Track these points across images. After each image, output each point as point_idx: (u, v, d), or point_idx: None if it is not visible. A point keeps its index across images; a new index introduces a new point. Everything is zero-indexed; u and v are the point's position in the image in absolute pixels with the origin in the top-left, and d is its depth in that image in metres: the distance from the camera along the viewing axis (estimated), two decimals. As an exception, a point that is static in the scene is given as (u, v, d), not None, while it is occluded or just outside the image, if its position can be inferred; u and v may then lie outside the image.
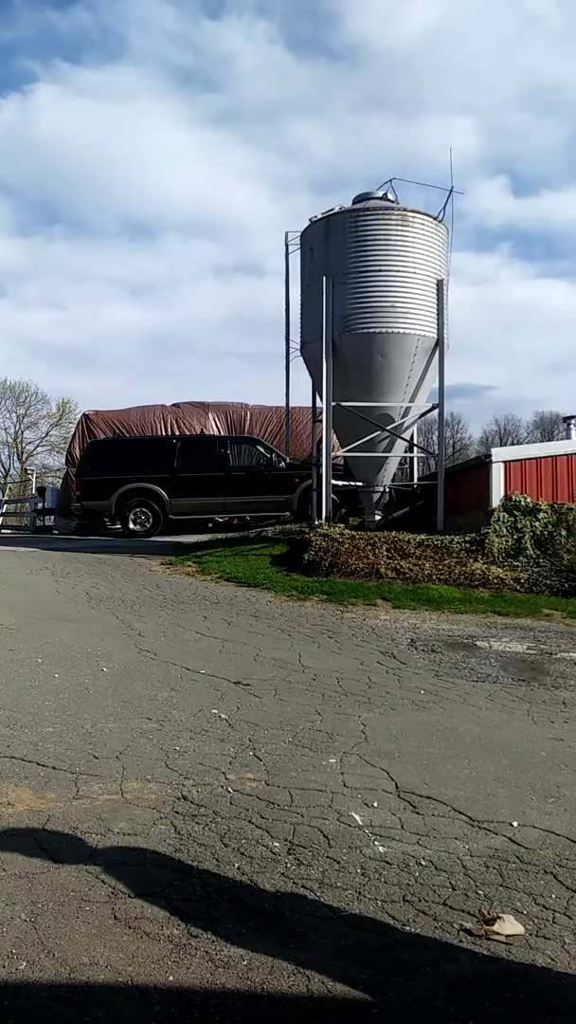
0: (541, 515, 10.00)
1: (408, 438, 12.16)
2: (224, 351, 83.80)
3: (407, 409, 11.36)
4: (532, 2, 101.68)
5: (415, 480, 13.14)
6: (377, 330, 10.74)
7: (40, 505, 21.95)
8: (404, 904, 2.54)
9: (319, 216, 11.32)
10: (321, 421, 11.45)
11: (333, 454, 11.32)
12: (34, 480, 30.66)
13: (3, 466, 47.53)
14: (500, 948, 2.30)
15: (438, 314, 11.06)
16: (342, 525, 11.08)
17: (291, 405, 12.79)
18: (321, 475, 11.14)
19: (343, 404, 11.01)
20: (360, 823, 3.14)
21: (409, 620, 7.58)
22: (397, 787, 3.52)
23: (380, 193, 11.39)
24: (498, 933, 2.36)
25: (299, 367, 12.20)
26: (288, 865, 2.77)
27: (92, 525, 17.26)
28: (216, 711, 4.59)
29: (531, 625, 7.50)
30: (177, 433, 18.49)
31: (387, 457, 11.61)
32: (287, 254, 12.24)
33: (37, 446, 48.09)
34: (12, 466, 47.04)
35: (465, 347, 72.78)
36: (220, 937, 2.31)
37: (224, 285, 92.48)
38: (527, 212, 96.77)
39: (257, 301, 79.02)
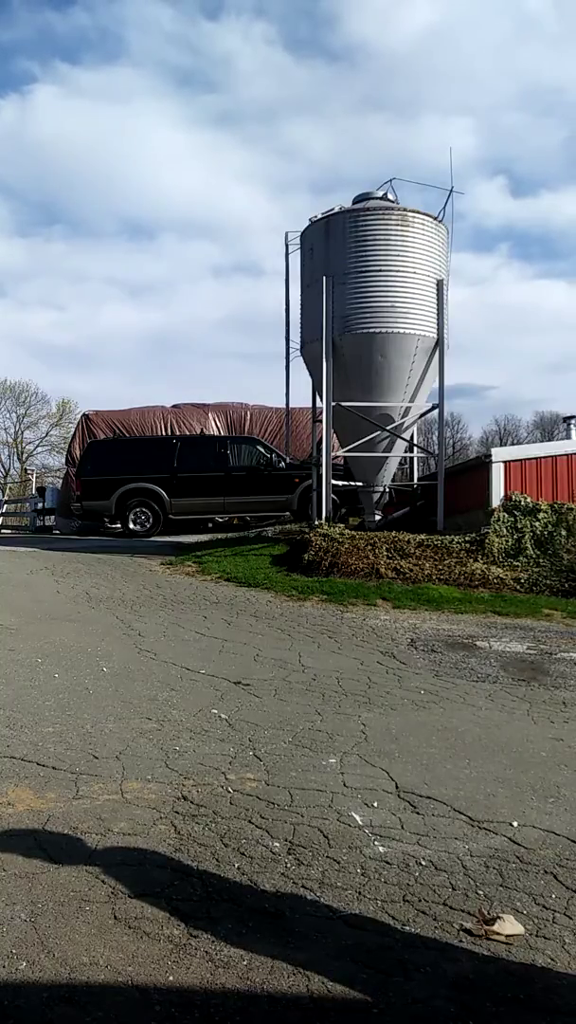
0: (541, 515, 9.99)
1: (408, 438, 12.16)
2: (223, 351, 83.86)
3: (407, 409, 11.36)
4: (530, 3, 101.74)
5: (415, 480, 13.14)
6: (377, 330, 10.74)
7: (40, 505, 21.95)
8: (404, 904, 2.54)
9: (319, 216, 11.32)
10: (321, 421, 11.45)
11: (333, 454, 11.33)
12: (34, 480, 30.66)
13: (3, 466, 47.55)
14: (500, 948, 2.30)
15: (438, 314, 11.06)
16: (342, 525, 11.08)
17: (291, 405, 12.79)
18: (321, 475, 11.14)
19: (343, 404, 11.01)
20: (360, 823, 3.14)
21: (409, 620, 7.58)
22: (397, 787, 3.52)
23: (380, 193, 11.39)
24: (498, 933, 2.36)
25: (299, 367, 12.21)
26: (288, 865, 2.77)
27: (92, 525, 17.26)
28: (216, 711, 4.59)
29: (531, 625, 7.50)
30: (177, 433, 18.50)
31: (387, 457, 11.61)
32: (287, 254, 12.25)
33: (37, 446, 48.12)
34: (12, 466, 47.05)
35: (465, 347, 72.87)
36: (220, 937, 2.31)
37: (223, 285, 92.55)
38: (526, 213, 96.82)
39: (256, 301, 79.04)
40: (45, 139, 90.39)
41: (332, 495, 11.32)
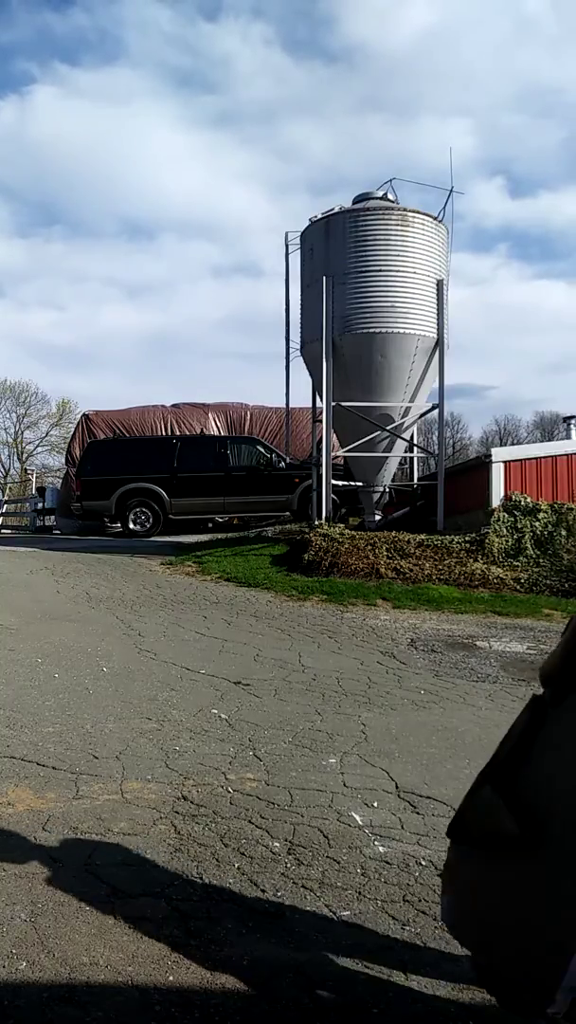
0: (541, 515, 9.99)
1: (408, 438, 12.16)
2: (223, 351, 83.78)
3: (407, 409, 11.36)
4: (528, 5, 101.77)
5: (415, 480, 13.14)
6: (377, 330, 10.74)
7: (40, 505, 21.94)
8: (404, 904, 2.54)
9: (319, 216, 11.31)
10: (321, 421, 11.45)
11: (333, 454, 11.32)
12: (34, 480, 30.66)
13: (3, 466, 47.53)
14: (500, 948, 2.30)
15: (438, 314, 11.05)
16: (342, 525, 11.08)
17: (291, 405, 12.79)
18: (321, 475, 11.14)
19: (343, 404, 11.01)
20: (360, 823, 3.14)
21: (409, 620, 7.58)
22: (397, 787, 3.52)
23: (380, 193, 11.39)
24: (498, 933, 2.35)
25: (299, 367, 12.21)
26: (288, 865, 2.77)
27: (92, 525, 17.26)
28: (216, 711, 4.59)
29: (531, 625, 7.50)
30: (177, 433, 18.49)
31: (387, 457, 11.61)
32: (287, 254, 12.25)
33: (37, 446, 48.07)
34: (12, 466, 47.02)
35: (464, 347, 72.75)
36: (220, 937, 2.31)
37: (222, 286, 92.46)
38: (524, 213, 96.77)
39: (256, 302, 78.95)
40: (44, 140, 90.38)
41: (332, 495, 11.32)
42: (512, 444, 47.28)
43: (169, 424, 19.15)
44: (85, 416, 20.27)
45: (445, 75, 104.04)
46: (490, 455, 11.05)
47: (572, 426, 14.84)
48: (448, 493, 11.24)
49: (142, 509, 15.41)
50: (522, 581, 8.96)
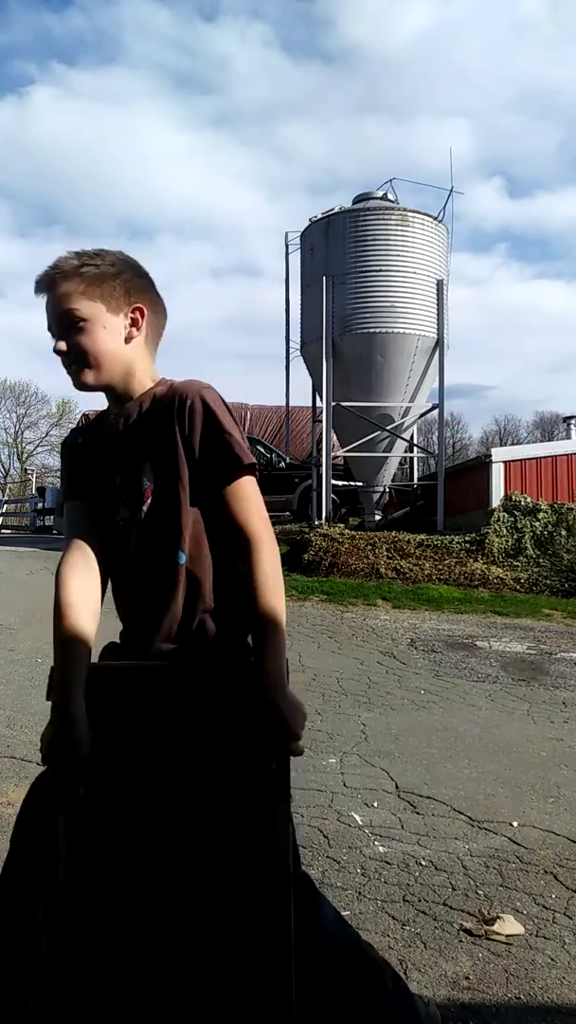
0: (541, 515, 10.00)
1: (408, 438, 12.17)
2: (222, 352, 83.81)
3: (407, 409, 11.36)
4: (525, 7, 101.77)
5: (415, 480, 13.15)
6: (377, 330, 10.75)
7: (40, 505, 21.95)
8: (404, 904, 2.54)
9: (319, 216, 11.33)
10: (321, 421, 11.45)
11: (333, 454, 11.33)
12: (34, 480, 30.68)
13: (3, 466, 47.54)
14: (500, 948, 2.30)
15: (438, 314, 11.06)
16: (342, 525, 11.09)
17: (291, 405, 12.79)
18: (321, 475, 11.15)
19: (343, 404, 11.02)
20: (360, 823, 3.14)
21: (409, 620, 7.58)
22: (397, 787, 3.52)
23: (380, 193, 11.40)
24: (498, 933, 2.36)
25: (299, 367, 12.22)
26: (288, 865, 2.77)
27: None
28: (216, 711, 4.59)
29: (531, 625, 7.50)
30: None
31: (387, 457, 11.62)
32: (287, 254, 12.26)
33: (37, 446, 48.07)
34: (12, 466, 47.03)
35: (464, 347, 72.75)
36: (220, 937, 2.31)
37: (221, 286, 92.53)
38: (523, 214, 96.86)
39: (255, 302, 78.94)
40: (43, 140, 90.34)
41: (332, 495, 11.32)
42: (512, 444, 47.28)
43: (169, 424, 19.14)
44: (85, 416, 20.28)
45: (443, 76, 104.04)
46: (490, 455, 11.06)
47: (572, 426, 14.86)
48: (448, 493, 11.24)
49: (142, 509, 15.40)
50: (522, 581, 8.96)
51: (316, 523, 11.01)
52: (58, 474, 36.03)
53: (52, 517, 20.70)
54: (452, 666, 5.89)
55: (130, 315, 1.44)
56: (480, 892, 2.62)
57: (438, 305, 11.07)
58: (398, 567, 9.30)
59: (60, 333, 1.41)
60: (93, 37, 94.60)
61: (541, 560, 9.48)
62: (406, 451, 12.42)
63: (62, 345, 1.41)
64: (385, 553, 9.62)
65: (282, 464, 15.27)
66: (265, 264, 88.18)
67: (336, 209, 11.27)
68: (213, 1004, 1.24)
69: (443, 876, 2.72)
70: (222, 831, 1.29)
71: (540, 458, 10.85)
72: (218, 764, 1.33)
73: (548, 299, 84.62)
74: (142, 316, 1.46)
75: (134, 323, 1.45)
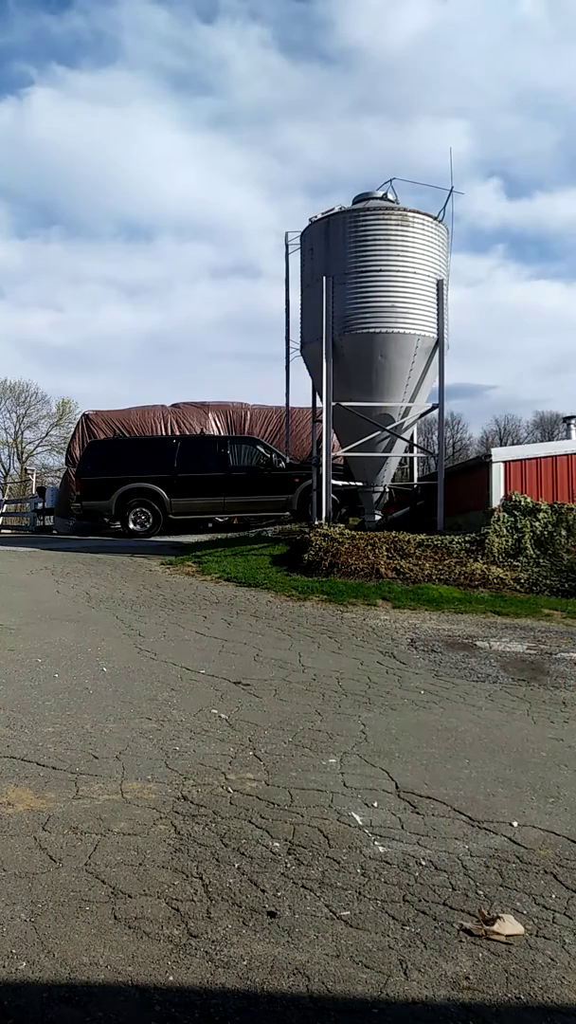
0: (541, 515, 9.99)
1: (408, 438, 12.16)
2: (221, 352, 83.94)
3: (407, 409, 11.36)
4: (523, 8, 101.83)
5: (415, 480, 13.14)
6: (377, 330, 10.74)
7: (40, 505, 21.95)
8: (404, 904, 2.54)
9: (319, 216, 11.31)
10: (321, 421, 11.45)
11: (333, 454, 11.32)
12: (34, 480, 30.67)
13: (3, 466, 47.52)
14: (500, 948, 2.30)
15: (438, 314, 11.05)
16: (342, 525, 11.08)
17: (291, 405, 12.79)
18: (321, 475, 11.14)
19: (343, 404, 11.01)
20: (360, 823, 3.14)
21: (409, 620, 7.58)
22: (397, 787, 3.52)
23: (380, 193, 11.39)
24: (498, 933, 2.36)
25: (299, 367, 12.21)
26: (288, 865, 2.77)
27: (92, 525, 17.26)
28: (216, 711, 4.59)
29: (531, 625, 7.50)
30: (177, 433, 18.49)
31: (387, 457, 11.61)
32: (287, 254, 12.25)
33: (37, 446, 48.09)
34: (12, 466, 47.02)
35: (464, 347, 72.88)
36: (220, 937, 2.31)
37: (220, 287, 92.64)
38: (521, 214, 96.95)
39: (254, 303, 79.11)
40: (43, 141, 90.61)
41: (332, 495, 11.32)
42: (512, 444, 47.28)
43: (169, 424, 19.15)
44: (85, 416, 20.27)
45: (441, 77, 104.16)
46: (490, 455, 11.05)
47: (572, 426, 14.85)
48: (448, 493, 11.24)
49: (142, 509, 15.41)
50: (522, 581, 8.96)
51: (316, 523, 11.00)
52: (58, 474, 35.97)
53: (52, 517, 20.70)
54: (452, 666, 5.89)
55: None
56: (480, 892, 2.62)
57: (438, 305, 11.06)
58: (398, 567, 9.30)
59: None
60: (91, 38, 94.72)
61: (541, 560, 9.48)
62: (406, 451, 12.42)
63: None
64: (385, 553, 9.62)
65: (282, 464, 15.27)
66: (265, 264, 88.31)
67: (336, 209, 11.26)
68: None
69: (443, 876, 2.72)
70: None
71: (540, 458, 10.84)
72: None
73: (547, 299, 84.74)
74: None
75: None
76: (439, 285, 11.10)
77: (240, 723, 4.38)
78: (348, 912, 2.48)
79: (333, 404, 11.04)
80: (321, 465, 11.13)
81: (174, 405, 20.26)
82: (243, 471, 15.39)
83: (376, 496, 11.77)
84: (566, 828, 3.12)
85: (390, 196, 11.41)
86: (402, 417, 11.34)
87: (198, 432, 18.38)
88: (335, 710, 4.69)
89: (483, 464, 11.02)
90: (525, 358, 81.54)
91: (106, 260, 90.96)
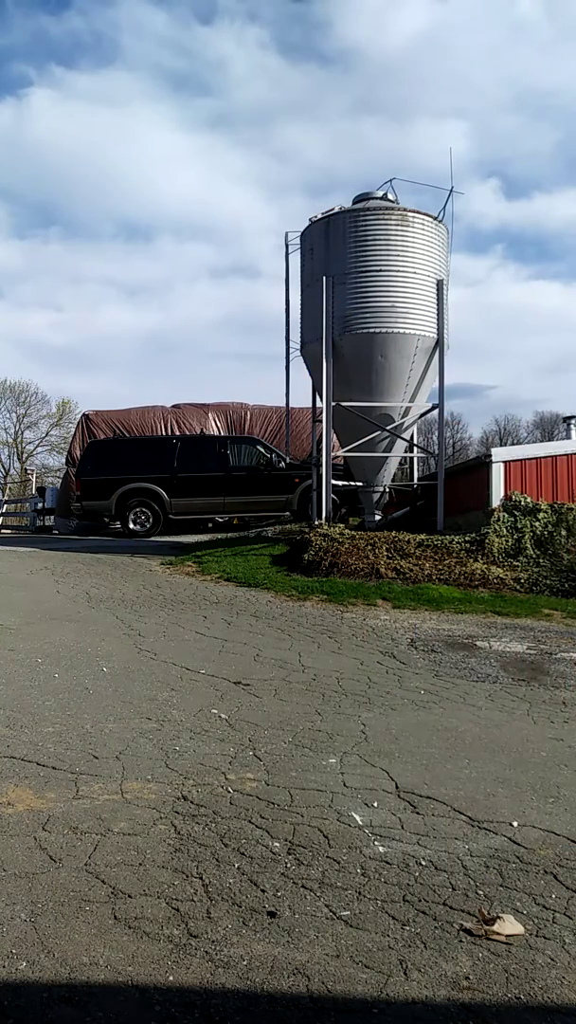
0: (541, 515, 9.99)
1: (408, 438, 12.16)
2: (221, 352, 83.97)
3: (407, 409, 11.36)
4: (522, 8, 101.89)
5: (415, 480, 13.14)
6: (377, 330, 10.74)
7: (40, 505, 21.95)
8: (404, 904, 2.54)
9: (319, 216, 11.31)
10: (321, 421, 11.45)
11: (333, 454, 11.32)
12: (34, 480, 30.68)
13: (3, 466, 47.51)
14: (500, 948, 2.30)
15: (438, 314, 11.05)
16: (342, 525, 11.08)
17: (291, 405, 12.79)
18: (321, 475, 11.14)
19: (343, 404, 11.01)
20: (360, 823, 3.14)
21: (409, 620, 7.58)
22: (397, 787, 3.52)
23: (380, 193, 11.39)
24: (498, 933, 2.36)
25: (299, 367, 12.21)
26: (288, 865, 2.77)
27: (92, 525, 17.26)
28: (216, 711, 4.59)
29: (531, 625, 7.50)
30: (177, 433, 18.49)
31: (387, 457, 11.61)
32: (287, 254, 12.24)
33: (37, 446, 48.08)
34: (12, 466, 47.02)
35: (463, 347, 72.91)
36: (220, 937, 2.31)
37: (220, 287, 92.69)
38: (520, 214, 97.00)
39: (253, 303, 79.14)
40: (42, 142, 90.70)
41: (332, 495, 11.32)
42: (512, 444, 47.27)
43: (169, 424, 19.15)
44: (85, 416, 20.27)
45: (439, 78, 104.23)
46: (490, 455, 11.05)
47: (572, 426, 14.85)
48: (448, 493, 11.24)
49: (142, 509, 15.42)
50: (522, 581, 8.96)
51: (316, 523, 11.00)
52: (58, 474, 35.99)
53: (52, 517, 20.70)
54: (452, 666, 5.89)
55: None
56: (480, 892, 2.62)
57: (438, 305, 11.06)
58: (398, 567, 9.30)
59: None
60: (90, 39, 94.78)
61: (541, 560, 9.48)
62: (406, 451, 12.42)
63: None
64: (385, 553, 9.62)
65: (282, 464, 15.27)
66: (264, 264, 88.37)
67: (336, 209, 11.26)
68: None
69: (443, 876, 2.72)
70: None
71: (540, 458, 10.84)
72: None
73: (546, 299, 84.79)
74: None
75: None
76: (439, 285, 11.10)
77: (240, 723, 4.38)
78: (348, 912, 2.48)
79: (333, 404, 11.04)
80: (321, 465, 11.13)
81: (174, 405, 20.27)
82: (243, 471, 15.40)
83: (376, 496, 11.77)
84: (566, 828, 3.12)
85: (390, 196, 11.41)
86: (402, 417, 11.34)
87: (198, 432, 18.39)
88: (335, 710, 4.69)
89: (483, 464, 11.02)
90: (525, 358, 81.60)
91: (106, 260, 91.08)
